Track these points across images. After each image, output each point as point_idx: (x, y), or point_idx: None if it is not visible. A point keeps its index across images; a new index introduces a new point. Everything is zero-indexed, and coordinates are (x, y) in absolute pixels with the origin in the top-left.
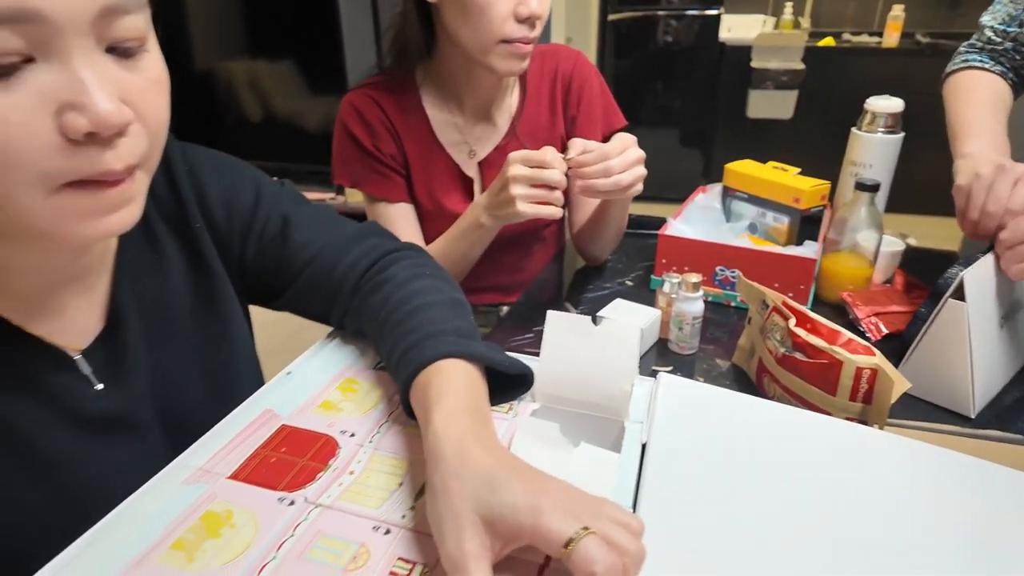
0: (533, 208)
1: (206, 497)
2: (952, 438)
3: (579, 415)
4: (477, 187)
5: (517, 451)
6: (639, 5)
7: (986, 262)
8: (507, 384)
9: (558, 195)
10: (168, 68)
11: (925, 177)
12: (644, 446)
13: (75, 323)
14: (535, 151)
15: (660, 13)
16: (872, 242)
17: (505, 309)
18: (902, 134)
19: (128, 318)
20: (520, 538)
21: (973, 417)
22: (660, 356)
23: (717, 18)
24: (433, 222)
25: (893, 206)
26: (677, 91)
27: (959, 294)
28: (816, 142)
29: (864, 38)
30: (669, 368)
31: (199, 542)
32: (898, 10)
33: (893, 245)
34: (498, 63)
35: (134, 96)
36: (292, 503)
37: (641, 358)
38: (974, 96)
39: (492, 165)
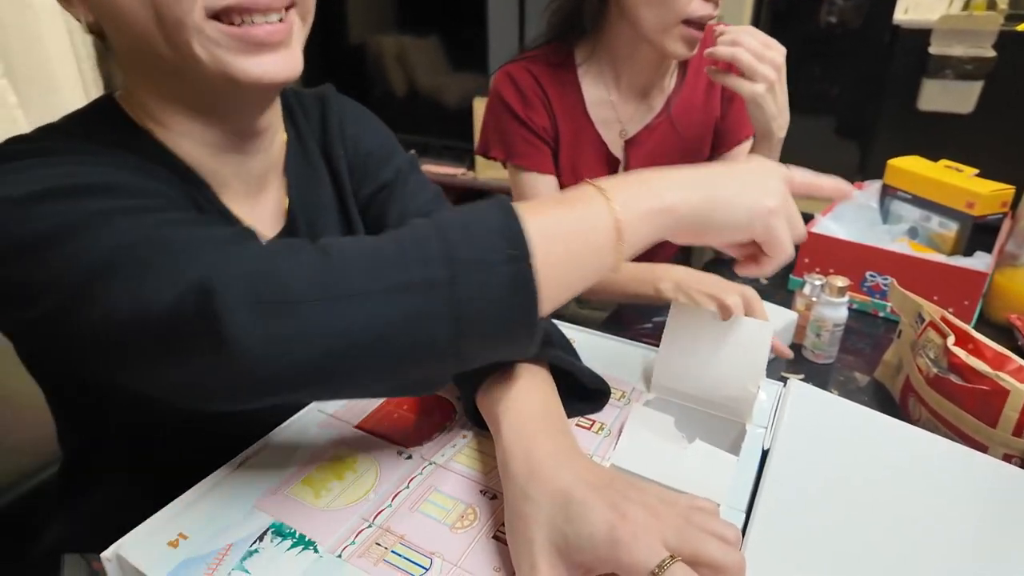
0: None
1: (336, 441)
2: None
3: (697, 412)
4: (622, 169)
5: (627, 440)
6: None
7: None
8: (581, 397)
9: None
10: (323, 42)
11: None
12: (766, 452)
13: (262, 219)
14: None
15: None
16: None
17: None
18: None
19: (299, 222)
20: (600, 569)
21: None
22: (792, 362)
23: None
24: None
25: None
26: (837, 77)
27: None
28: (1000, 142)
29: None
30: (801, 376)
31: (326, 482)
32: None
33: None
34: (672, 45)
35: None
36: (410, 457)
37: (770, 362)
38: None
39: (640, 144)
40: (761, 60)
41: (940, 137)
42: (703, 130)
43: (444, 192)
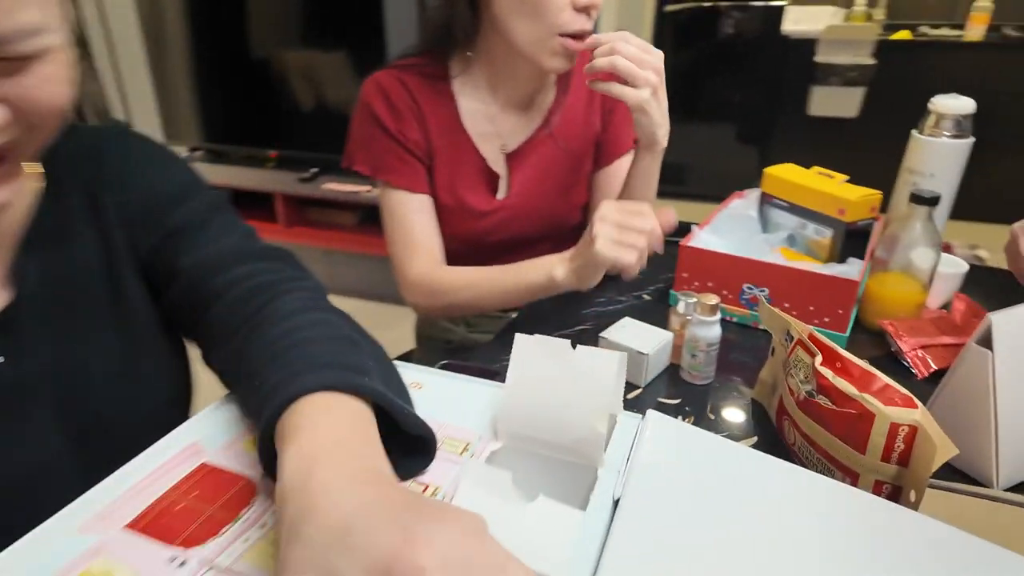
0: (614, 252)
1: (92, 551)
2: (1008, 508)
3: (547, 459)
4: (503, 183)
5: (460, 504)
6: None
7: None
8: (405, 450)
9: (643, 242)
10: (223, 58)
11: (1007, 183)
12: (617, 502)
13: None
14: (626, 203)
15: (722, 4)
16: (928, 262)
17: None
18: (971, 139)
19: (30, 288)
20: None
21: (997, 489)
22: (671, 385)
23: (781, 9)
24: (451, 218)
25: (969, 214)
26: (736, 85)
27: (988, 340)
28: (882, 145)
29: (944, 31)
30: (677, 401)
31: None
32: (985, 0)
33: (953, 266)
34: (548, 59)
35: (16, 94)
36: (183, 563)
37: (647, 386)
38: None
39: (522, 159)
40: (642, 66)
41: (829, 141)
42: (584, 144)
43: (351, 210)
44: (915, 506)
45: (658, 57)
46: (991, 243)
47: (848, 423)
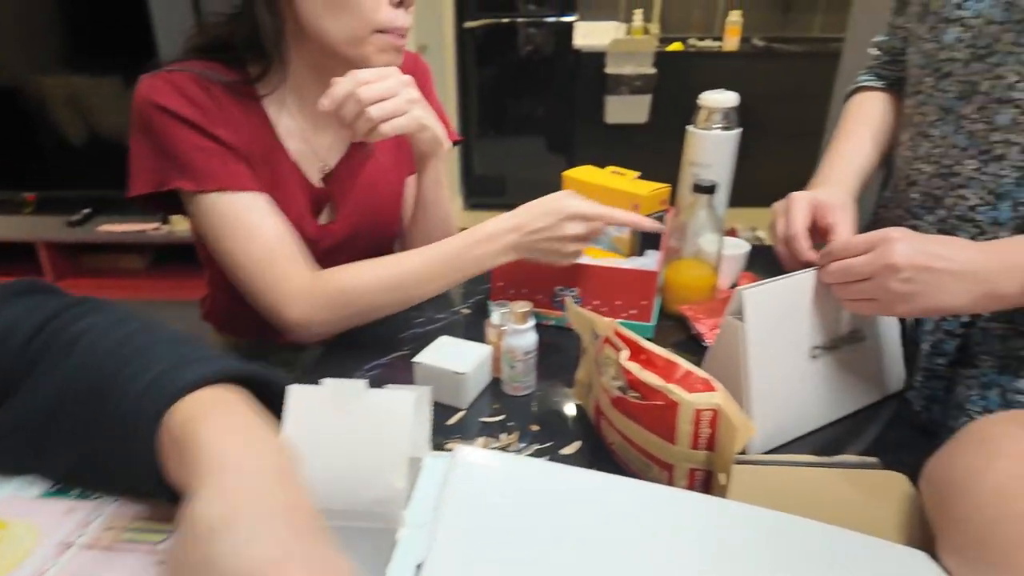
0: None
1: None
2: (806, 470)
3: (340, 531)
4: (328, 207)
5: None
6: (496, 12)
7: (794, 282)
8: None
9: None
10: None
11: (774, 170)
12: (420, 567)
13: None
14: (591, 208)
15: (519, 20)
16: (713, 247)
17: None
18: (739, 130)
19: None
20: None
21: (753, 455)
22: (494, 400)
23: (571, 25)
24: None
25: (746, 201)
26: (539, 99)
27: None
28: (672, 145)
29: (708, 42)
30: (501, 417)
31: None
32: (736, 15)
33: (736, 248)
34: (375, 56)
35: None
36: None
37: (470, 407)
38: (849, 128)
39: (342, 178)
40: (391, 93)
41: (627, 145)
42: (398, 151)
43: (138, 252)
44: (726, 488)
45: (391, 71)
46: (767, 225)
47: (657, 415)
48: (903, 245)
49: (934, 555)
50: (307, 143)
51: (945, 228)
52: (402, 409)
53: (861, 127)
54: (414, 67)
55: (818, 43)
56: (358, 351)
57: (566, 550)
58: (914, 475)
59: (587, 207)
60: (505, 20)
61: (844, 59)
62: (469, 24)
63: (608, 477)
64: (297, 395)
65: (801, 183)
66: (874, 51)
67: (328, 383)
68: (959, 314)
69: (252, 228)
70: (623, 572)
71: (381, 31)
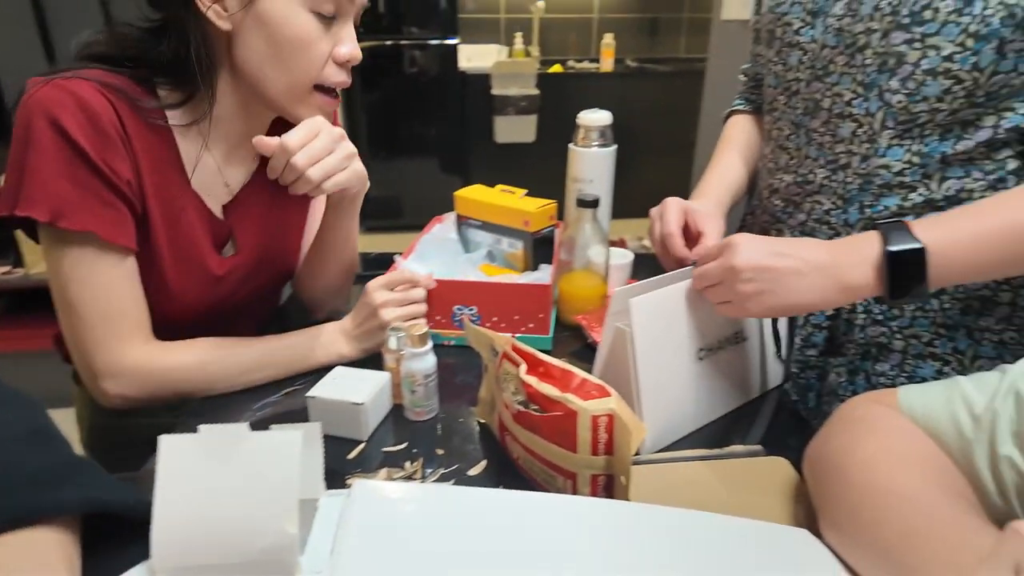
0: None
1: None
2: (698, 464)
3: None
4: (233, 240)
5: None
6: (379, 34)
7: (676, 289)
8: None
9: (424, 307)
10: None
11: (653, 181)
12: None
13: None
14: (394, 274)
15: (402, 42)
16: (601, 257)
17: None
18: (615, 146)
19: None
20: None
21: (645, 455)
22: (397, 428)
23: (455, 48)
24: (179, 286)
25: (630, 212)
26: (430, 120)
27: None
28: (560, 162)
29: (586, 64)
30: (404, 445)
31: None
32: (609, 38)
33: (622, 257)
34: (303, 112)
35: None
36: None
37: (371, 438)
38: (722, 150)
39: (243, 208)
40: (326, 151)
41: (518, 163)
42: None
43: None
44: (627, 489)
45: (319, 124)
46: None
47: (557, 425)
48: (743, 248)
49: (816, 532)
50: (216, 176)
51: (805, 231)
52: (289, 450)
53: (731, 148)
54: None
55: (684, 63)
56: (245, 391)
57: (475, 574)
58: (797, 460)
59: (385, 281)
60: (388, 42)
61: (708, 78)
62: None
63: (511, 494)
64: (169, 447)
65: (678, 193)
66: (742, 77)
67: (205, 430)
68: (815, 309)
69: (108, 285)
70: None
71: (320, 86)
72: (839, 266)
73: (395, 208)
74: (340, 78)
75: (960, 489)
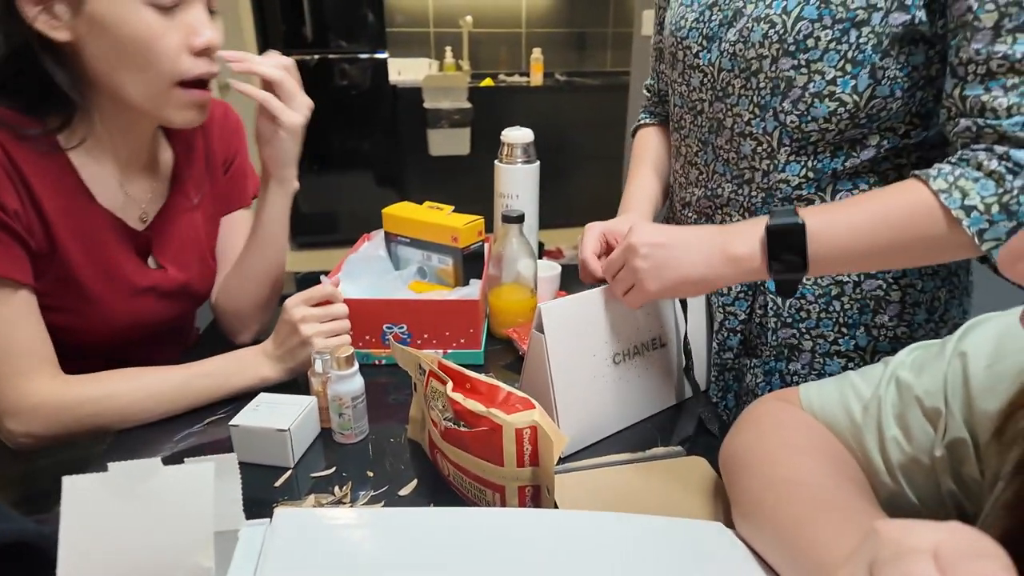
0: (331, 342)
1: None
2: (621, 468)
3: None
4: (153, 256)
5: None
6: (305, 48)
7: (588, 296)
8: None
9: (347, 324)
10: None
11: (585, 190)
12: None
13: None
14: (312, 289)
15: (330, 56)
16: (529, 271)
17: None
18: (537, 162)
19: None
20: None
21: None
22: (327, 452)
23: (385, 62)
24: (103, 293)
25: (563, 222)
26: (362, 134)
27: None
28: (479, 181)
29: (516, 78)
30: (332, 470)
31: None
32: (537, 53)
33: (549, 270)
34: (176, 115)
35: None
36: None
37: (298, 464)
38: (635, 165)
39: (164, 230)
40: (298, 92)
41: (452, 176)
42: (216, 200)
43: None
44: (552, 498)
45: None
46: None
47: (484, 441)
48: (638, 229)
49: (731, 525)
50: (121, 190)
51: None
52: (201, 482)
53: (645, 163)
54: (224, 121)
55: (611, 76)
56: (165, 420)
57: None
58: (714, 458)
59: (304, 297)
60: (316, 56)
61: (632, 91)
62: None
63: (439, 511)
64: (73, 488)
65: (608, 201)
66: (645, 92)
67: (115, 467)
68: (706, 283)
69: (3, 322)
70: None
71: (183, 83)
72: (725, 238)
73: (329, 224)
74: (203, 69)
75: (852, 474)
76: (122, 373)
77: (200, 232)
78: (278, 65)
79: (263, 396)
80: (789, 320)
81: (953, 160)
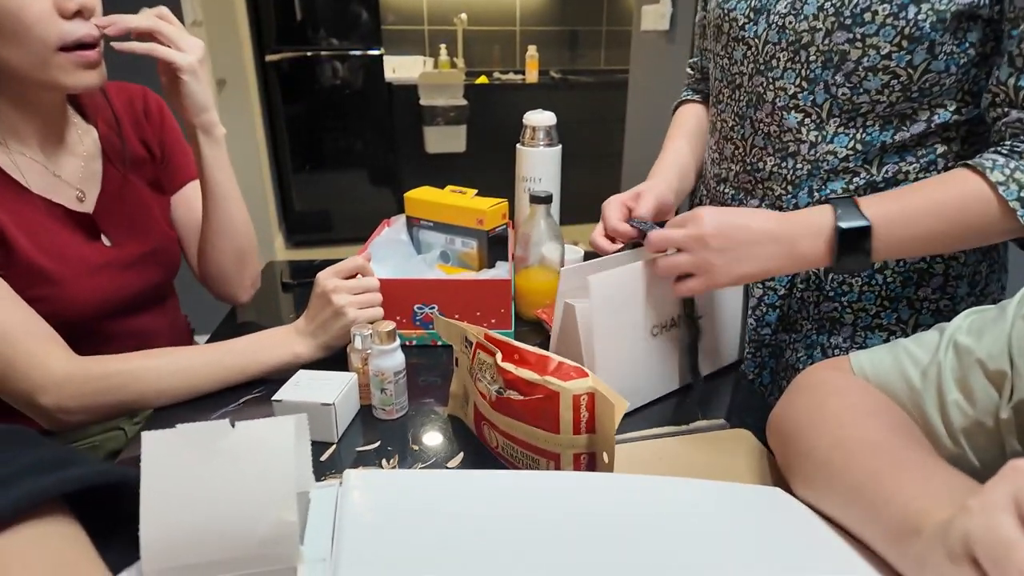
0: (365, 313)
1: None
2: (670, 440)
3: None
4: (106, 233)
5: None
6: (298, 46)
7: (632, 269)
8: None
9: (379, 296)
10: None
11: (580, 189)
12: None
13: None
14: (343, 262)
15: (323, 54)
16: (556, 253)
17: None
18: (560, 146)
19: None
20: None
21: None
22: (367, 429)
23: (380, 59)
24: (63, 273)
25: (563, 218)
26: (356, 132)
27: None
28: (492, 169)
29: (511, 75)
30: (376, 444)
31: None
32: (532, 50)
33: (575, 253)
34: (65, 78)
35: None
36: None
37: (341, 440)
38: (670, 137)
39: (108, 208)
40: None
41: (449, 173)
42: (163, 182)
43: None
44: (610, 466)
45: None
46: (583, 239)
47: (538, 409)
48: (709, 217)
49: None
50: (49, 173)
51: None
52: (282, 438)
53: (680, 134)
54: (145, 104)
55: (606, 75)
56: (201, 400)
57: (477, 551)
58: (757, 434)
59: (335, 270)
60: (308, 53)
61: (631, 88)
62: (271, 57)
63: (501, 473)
64: (153, 443)
65: (603, 198)
66: (688, 71)
67: (184, 428)
68: (769, 275)
69: None
70: (534, 562)
71: (64, 48)
72: (792, 237)
73: (324, 222)
74: (82, 31)
75: (918, 436)
76: (148, 352)
77: (148, 200)
78: (151, 15)
79: (303, 373)
80: (831, 294)
81: (1005, 151)
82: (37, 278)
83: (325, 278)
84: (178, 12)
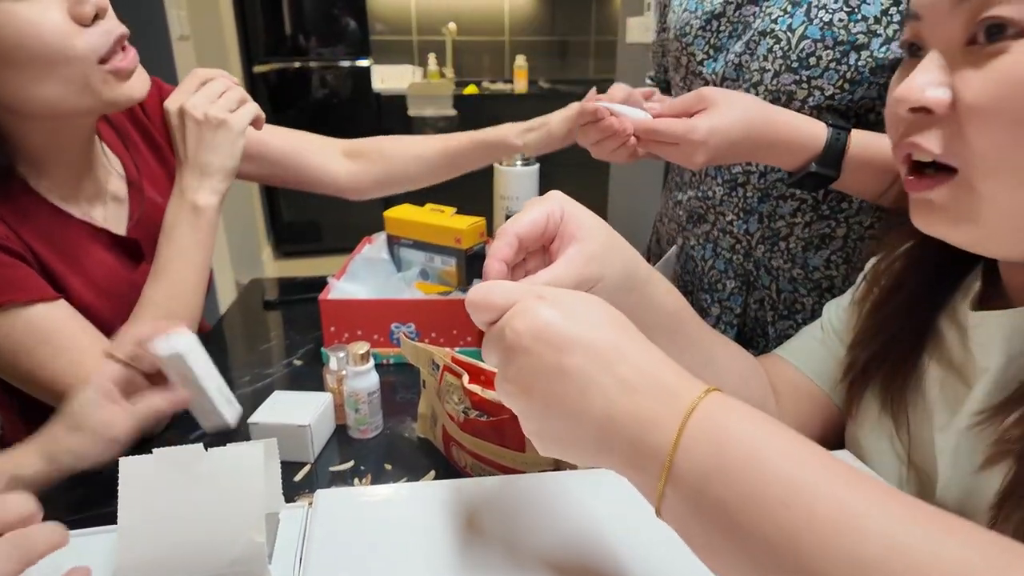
0: (243, 112)
1: None
2: None
3: None
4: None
5: None
6: (286, 56)
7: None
8: None
9: (241, 89)
10: None
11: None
12: None
13: None
14: (182, 84)
15: (312, 64)
16: None
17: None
18: (537, 165)
19: None
20: None
21: None
22: (342, 448)
23: (368, 69)
24: (115, 320)
25: None
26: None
27: None
28: (483, 180)
29: (500, 85)
30: (350, 464)
31: None
32: (521, 60)
33: None
34: (110, 92)
35: None
36: None
37: (317, 460)
38: None
39: (143, 219)
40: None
41: (437, 185)
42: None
43: None
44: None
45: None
46: None
47: (504, 428)
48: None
49: None
50: (87, 203)
51: (709, 239)
52: (252, 462)
53: None
54: (159, 92)
55: (594, 84)
56: (177, 422)
57: (447, 565)
58: None
59: (180, 90)
60: (296, 64)
61: None
62: (259, 68)
63: (473, 481)
64: (130, 468)
65: (592, 208)
66: (648, 81)
67: (160, 452)
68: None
69: (71, 336)
70: (511, 567)
71: (102, 60)
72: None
73: (313, 233)
74: (108, 38)
75: None
76: None
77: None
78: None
79: (277, 394)
80: (785, 312)
81: None
82: (86, 314)
83: (171, 102)
84: (164, 26)
